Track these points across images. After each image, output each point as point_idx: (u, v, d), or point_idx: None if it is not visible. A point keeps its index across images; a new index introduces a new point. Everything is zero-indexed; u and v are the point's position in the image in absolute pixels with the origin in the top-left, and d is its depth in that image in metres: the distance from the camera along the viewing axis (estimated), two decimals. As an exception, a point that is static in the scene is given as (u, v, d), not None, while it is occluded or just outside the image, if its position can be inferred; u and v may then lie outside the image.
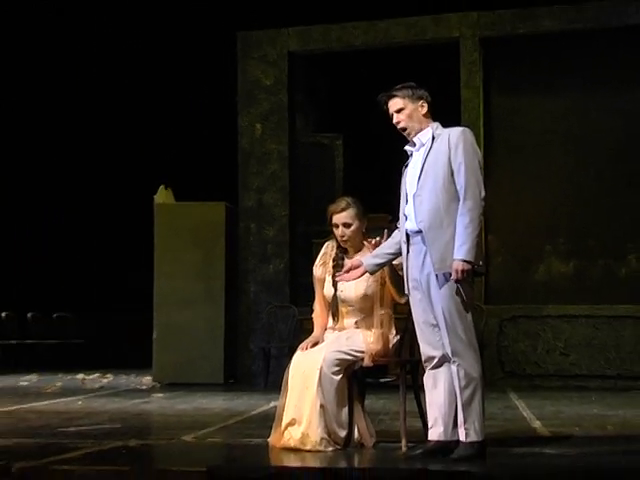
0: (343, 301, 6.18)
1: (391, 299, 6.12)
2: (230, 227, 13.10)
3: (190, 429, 7.19)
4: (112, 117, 17.46)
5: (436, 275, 5.51)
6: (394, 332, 6.14)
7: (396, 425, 6.22)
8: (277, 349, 12.44)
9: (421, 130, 5.71)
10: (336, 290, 6.18)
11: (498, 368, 12.04)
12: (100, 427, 7.41)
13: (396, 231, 5.85)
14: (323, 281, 6.28)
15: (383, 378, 6.27)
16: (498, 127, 12.85)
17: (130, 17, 16.20)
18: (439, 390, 5.60)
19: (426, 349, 5.64)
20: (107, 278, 18.03)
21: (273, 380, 11.34)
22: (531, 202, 12.63)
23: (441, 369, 5.59)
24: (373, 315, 6.11)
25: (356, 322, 6.15)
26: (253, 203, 13.22)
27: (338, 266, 6.18)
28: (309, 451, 5.77)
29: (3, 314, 16.98)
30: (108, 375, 13.99)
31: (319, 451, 5.77)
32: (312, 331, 6.31)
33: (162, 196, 13.20)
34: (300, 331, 11.18)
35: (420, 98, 5.74)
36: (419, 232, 5.58)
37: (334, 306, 6.21)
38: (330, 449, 5.82)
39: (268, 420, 6.52)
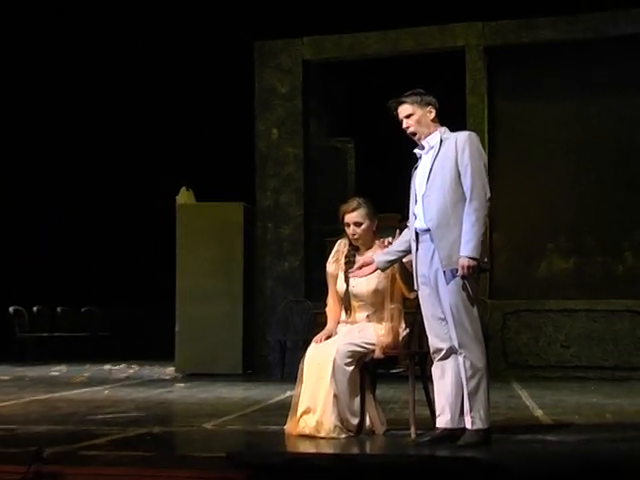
0: (355, 296, 6.17)
1: (401, 294, 6.12)
2: (248, 226, 13.09)
3: (210, 417, 7.20)
4: (140, 125, 17.52)
5: (444, 271, 5.51)
6: (404, 325, 6.14)
7: (405, 413, 6.22)
8: (292, 341, 12.42)
9: (429, 134, 5.70)
10: (348, 285, 6.18)
11: (502, 359, 12.01)
12: (126, 415, 7.42)
13: (406, 230, 5.85)
14: (336, 277, 6.28)
15: (393, 369, 6.27)
16: (502, 131, 12.81)
17: (159, 28, 16.21)
18: (446, 380, 5.60)
19: (434, 341, 5.64)
20: (132, 275, 18.05)
21: (289, 371, 11.34)
22: (534, 203, 12.59)
23: (448, 360, 5.58)
24: (384, 309, 6.11)
25: (367, 316, 6.14)
26: (270, 203, 13.22)
27: (350, 263, 6.18)
28: (323, 438, 5.78)
29: (34, 308, 17.01)
30: (133, 366, 14.03)
31: (333, 438, 5.78)
32: (326, 324, 6.32)
33: (184, 197, 13.21)
34: (314, 324, 11.16)
35: (428, 104, 5.73)
36: (428, 230, 5.59)
37: (346, 301, 6.21)
38: (343, 436, 5.82)
39: (284, 409, 6.52)
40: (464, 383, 5.51)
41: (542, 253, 12.68)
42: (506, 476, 4.17)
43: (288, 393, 8.13)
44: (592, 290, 12.28)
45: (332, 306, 6.32)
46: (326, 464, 4.43)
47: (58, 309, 17.72)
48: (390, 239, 6.04)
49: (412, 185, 5.77)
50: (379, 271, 5.96)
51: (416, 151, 5.79)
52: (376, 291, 6.11)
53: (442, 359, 5.61)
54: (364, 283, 6.10)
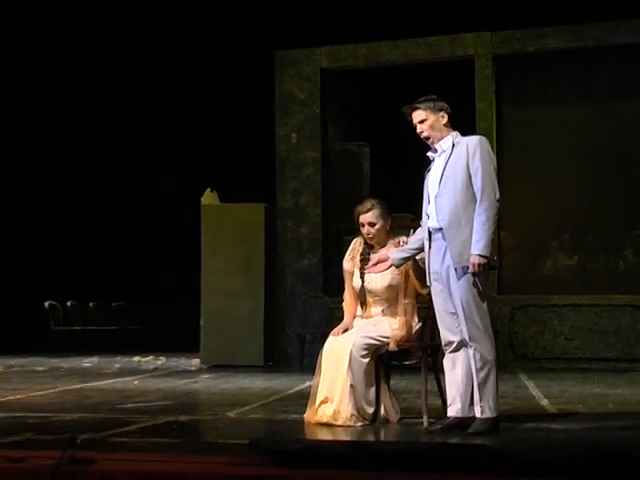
0: (370, 291, 6.16)
1: (414, 290, 6.10)
2: (269, 226, 13.10)
3: (233, 406, 7.20)
4: (170, 133, 17.61)
5: (455, 268, 5.50)
6: (417, 319, 6.12)
7: (418, 403, 6.20)
8: (311, 335, 12.42)
9: (442, 138, 5.69)
10: (364, 282, 6.16)
11: (509, 352, 11.98)
12: (154, 404, 7.43)
13: (419, 229, 5.84)
14: (352, 274, 6.27)
15: (407, 361, 6.26)
16: (509, 135, 12.78)
17: (189, 39, 16.29)
18: (457, 371, 5.59)
19: (446, 334, 5.63)
20: (160, 272, 18.12)
21: (307, 363, 11.33)
22: (540, 203, 12.55)
23: (459, 352, 5.57)
24: (398, 304, 6.09)
25: (382, 310, 6.13)
26: (289, 204, 13.22)
27: (365, 260, 6.17)
28: (340, 426, 5.77)
29: (68, 303, 17.08)
30: (161, 358, 14.05)
31: (349, 426, 5.77)
32: (342, 318, 6.31)
33: (208, 198, 13.22)
34: (332, 318, 11.15)
35: (441, 110, 5.72)
36: (440, 229, 5.58)
37: (362, 296, 6.20)
38: (359, 424, 5.82)
39: (303, 398, 6.51)
40: (474, 374, 5.49)
41: (547, 251, 12.65)
42: (514, 462, 4.15)
43: (307, 383, 8.14)
44: (595, 286, 12.24)
45: (348, 301, 6.31)
46: (343, 450, 4.41)
47: (90, 304, 17.79)
48: (404, 238, 6.03)
49: (425, 186, 5.76)
50: (393, 268, 5.95)
51: (429, 154, 5.78)
52: (390, 287, 6.09)
53: (453, 351, 5.60)
54: (379, 279, 6.09)
